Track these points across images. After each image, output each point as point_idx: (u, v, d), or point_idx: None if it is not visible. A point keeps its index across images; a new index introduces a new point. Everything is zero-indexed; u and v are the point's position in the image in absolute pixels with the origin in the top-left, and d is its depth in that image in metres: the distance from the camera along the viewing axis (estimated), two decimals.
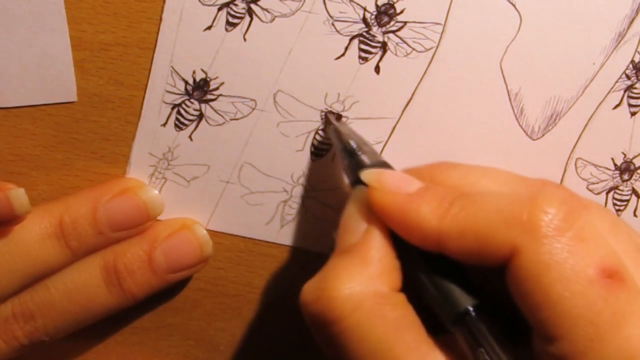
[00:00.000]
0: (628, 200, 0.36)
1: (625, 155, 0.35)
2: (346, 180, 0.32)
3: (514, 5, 0.32)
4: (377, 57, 0.33)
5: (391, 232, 0.28)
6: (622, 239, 0.28)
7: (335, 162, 0.34)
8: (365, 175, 0.29)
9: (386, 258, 0.28)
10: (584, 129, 0.34)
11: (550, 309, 0.24)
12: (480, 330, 0.26)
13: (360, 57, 0.33)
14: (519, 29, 0.33)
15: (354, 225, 0.29)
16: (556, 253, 0.25)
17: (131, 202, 0.33)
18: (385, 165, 0.30)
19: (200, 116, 0.33)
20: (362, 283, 0.27)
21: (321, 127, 0.33)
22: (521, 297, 0.25)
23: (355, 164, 0.30)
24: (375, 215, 0.29)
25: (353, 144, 0.31)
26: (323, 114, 0.33)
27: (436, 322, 0.28)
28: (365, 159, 0.31)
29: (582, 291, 0.24)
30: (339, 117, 0.33)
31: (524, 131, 0.34)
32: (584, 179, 0.35)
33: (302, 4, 0.32)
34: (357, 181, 0.30)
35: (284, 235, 0.35)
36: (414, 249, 0.28)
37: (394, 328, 0.26)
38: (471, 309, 0.26)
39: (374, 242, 0.28)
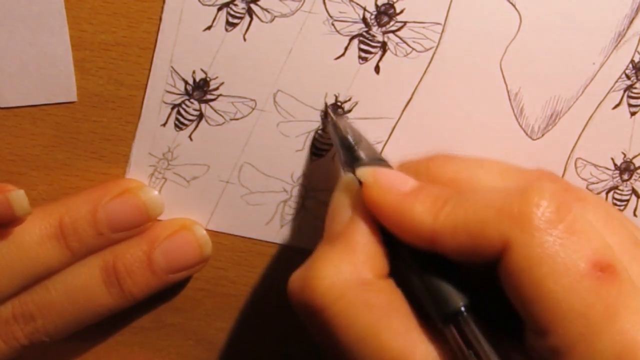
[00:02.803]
0: (628, 200, 0.36)
1: (625, 155, 0.35)
2: (342, 173, 0.32)
3: (514, 5, 0.32)
4: (377, 57, 0.33)
5: (379, 225, 0.28)
6: (618, 231, 0.28)
7: (336, 161, 0.34)
8: (361, 172, 0.29)
9: (370, 245, 0.28)
10: (583, 128, 0.34)
11: (541, 302, 0.24)
12: (471, 330, 0.26)
13: (360, 57, 0.33)
14: (519, 29, 0.33)
15: (339, 214, 0.29)
16: (548, 246, 0.24)
17: (131, 203, 0.33)
18: (382, 161, 0.30)
19: (200, 116, 0.33)
20: (345, 271, 0.27)
21: (321, 126, 0.33)
22: (513, 291, 0.25)
23: (351, 159, 0.30)
24: (360, 204, 0.29)
25: (350, 138, 0.31)
26: (322, 111, 0.33)
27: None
28: (362, 154, 0.30)
29: (573, 285, 0.24)
30: (335, 108, 0.33)
31: (524, 131, 0.34)
32: (584, 179, 0.35)
33: (302, 4, 0.32)
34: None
35: (284, 235, 0.35)
36: (405, 246, 0.28)
37: (380, 314, 0.26)
38: (463, 309, 0.26)
39: (358, 230, 0.28)
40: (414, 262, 0.28)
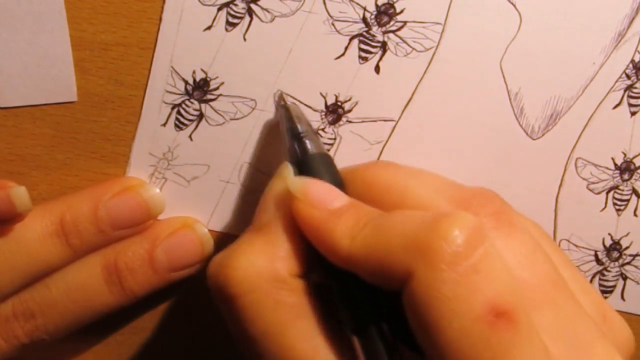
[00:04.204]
0: (628, 200, 0.36)
1: (625, 155, 0.35)
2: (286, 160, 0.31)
3: (514, 5, 0.32)
4: (377, 57, 0.33)
5: None
6: (540, 268, 0.26)
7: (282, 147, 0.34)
8: (292, 182, 0.28)
9: (291, 242, 0.28)
10: (584, 128, 0.34)
11: (435, 341, 0.23)
12: (376, 347, 0.26)
13: (360, 57, 0.33)
14: (519, 29, 0.33)
15: (269, 204, 0.29)
16: (448, 284, 0.23)
17: (132, 201, 0.33)
18: (326, 157, 0.30)
19: (200, 116, 0.33)
20: (261, 265, 0.27)
21: (321, 126, 0.34)
22: (412, 323, 0.24)
23: (298, 148, 0.30)
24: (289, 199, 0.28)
25: (300, 127, 0.30)
26: (274, 95, 0.33)
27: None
28: (309, 145, 0.30)
29: (466, 328, 0.23)
30: (280, 101, 0.33)
31: (524, 131, 0.34)
32: (584, 179, 0.35)
33: (302, 4, 0.32)
34: (295, 164, 0.30)
35: None
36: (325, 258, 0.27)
37: (288, 314, 0.26)
38: (373, 325, 0.26)
39: (282, 225, 0.28)
40: (333, 274, 0.27)
